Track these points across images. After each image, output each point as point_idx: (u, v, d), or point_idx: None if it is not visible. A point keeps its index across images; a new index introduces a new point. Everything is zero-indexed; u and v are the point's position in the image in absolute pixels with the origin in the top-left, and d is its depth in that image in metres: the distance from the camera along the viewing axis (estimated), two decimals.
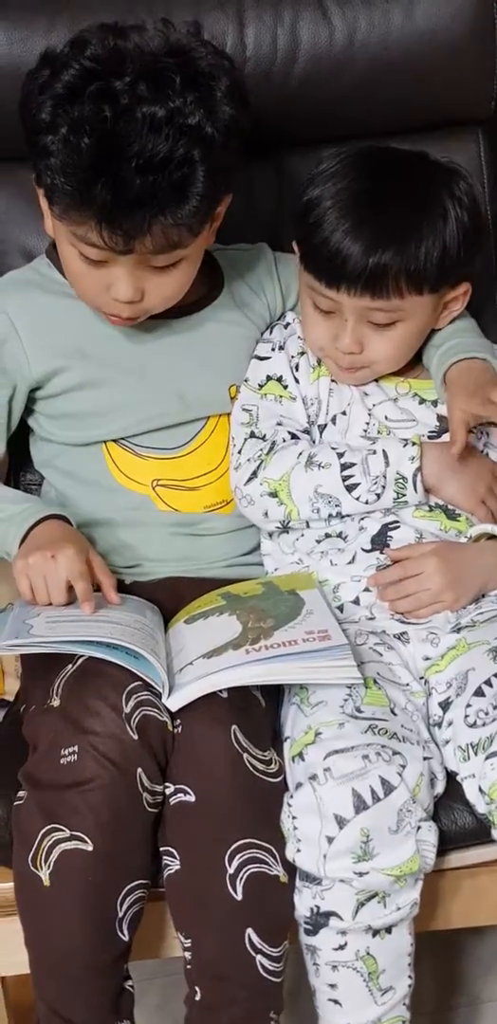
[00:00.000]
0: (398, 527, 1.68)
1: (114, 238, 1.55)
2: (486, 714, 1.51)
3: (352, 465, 1.66)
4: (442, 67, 1.90)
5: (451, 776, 1.55)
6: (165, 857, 1.49)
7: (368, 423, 1.73)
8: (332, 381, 1.75)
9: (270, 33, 1.87)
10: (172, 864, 1.48)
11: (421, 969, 1.53)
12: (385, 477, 1.66)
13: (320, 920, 1.46)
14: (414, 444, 1.67)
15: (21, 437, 1.80)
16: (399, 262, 1.62)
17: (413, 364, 1.77)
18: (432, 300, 1.69)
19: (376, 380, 1.75)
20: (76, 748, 1.45)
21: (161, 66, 1.55)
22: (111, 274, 1.61)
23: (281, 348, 1.78)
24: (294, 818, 1.46)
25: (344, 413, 1.74)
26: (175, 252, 1.60)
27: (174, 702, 1.49)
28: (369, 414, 1.73)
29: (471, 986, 1.92)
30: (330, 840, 1.43)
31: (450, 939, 1.90)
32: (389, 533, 1.68)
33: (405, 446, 1.67)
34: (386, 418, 1.73)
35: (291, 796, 1.47)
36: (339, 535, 1.69)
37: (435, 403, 1.75)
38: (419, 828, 1.45)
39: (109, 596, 1.57)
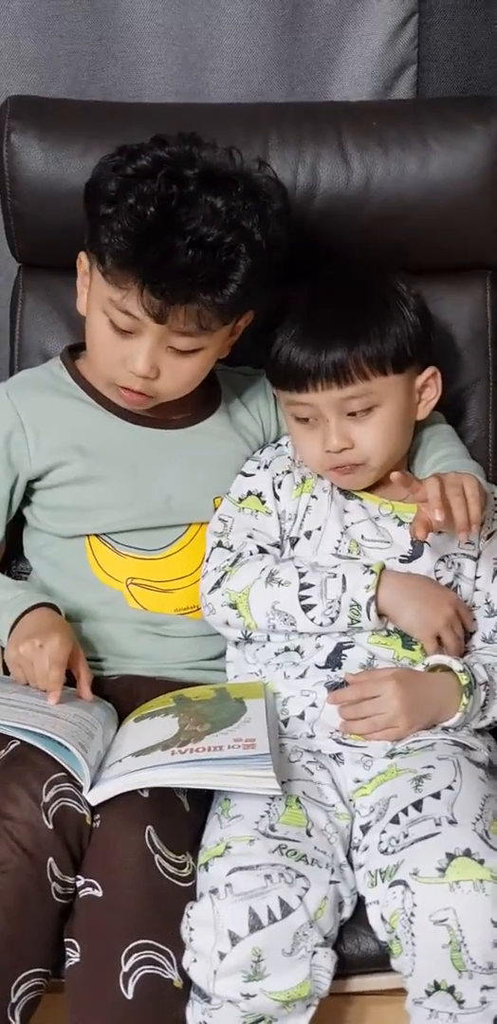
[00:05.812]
0: (352, 647, 1.58)
1: (153, 302, 1.53)
2: (397, 841, 1.38)
3: (311, 586, 1.57)
4: (453, 215, 1.85)
5: (362, 900, 1.42)
6: (68, 949, 1.40)
7: (340, 541, 1.63)
8: (312, 497, 1.66)
9: (291, 169, 1.84)
10: (73, 956, 1.39)
11: None
12: (340, 602, 1.56)
13: None
14: (373, 572, 1.56)
15: (17, 526, 1.75)
16: (349, 353, 1.59)
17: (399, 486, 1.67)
18: (401, 381, 1.63)
19: (361, 499, 1.67)
20: None
21: (227, 171, 1.59)
22: (132, 346, 1.59)
23: (266, 467, 1.71)
24: (191, 929, 1.36)
25: (319, 529, 1.65)
26: (198, 338, 1.58)
27: (94, 796, 1.41)
28: (342, 532, 1.64)
29: None
30: (221, 956, 1.32)
31: None
32: (343, 652, 1.58)
33: (365, 572, 1.56)
34: (362, 537, 1.64)
35: (191, 907, 1.37)
36: (296, 649, 1.60)
37: None
38: (314, 953, 1.34)
39: (83, 691, 1.53)
